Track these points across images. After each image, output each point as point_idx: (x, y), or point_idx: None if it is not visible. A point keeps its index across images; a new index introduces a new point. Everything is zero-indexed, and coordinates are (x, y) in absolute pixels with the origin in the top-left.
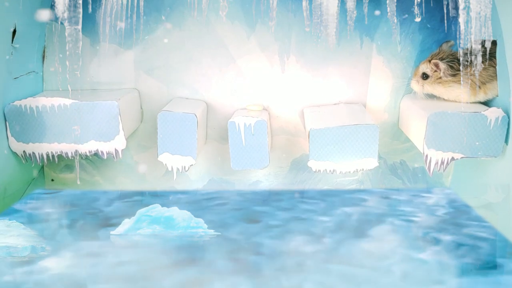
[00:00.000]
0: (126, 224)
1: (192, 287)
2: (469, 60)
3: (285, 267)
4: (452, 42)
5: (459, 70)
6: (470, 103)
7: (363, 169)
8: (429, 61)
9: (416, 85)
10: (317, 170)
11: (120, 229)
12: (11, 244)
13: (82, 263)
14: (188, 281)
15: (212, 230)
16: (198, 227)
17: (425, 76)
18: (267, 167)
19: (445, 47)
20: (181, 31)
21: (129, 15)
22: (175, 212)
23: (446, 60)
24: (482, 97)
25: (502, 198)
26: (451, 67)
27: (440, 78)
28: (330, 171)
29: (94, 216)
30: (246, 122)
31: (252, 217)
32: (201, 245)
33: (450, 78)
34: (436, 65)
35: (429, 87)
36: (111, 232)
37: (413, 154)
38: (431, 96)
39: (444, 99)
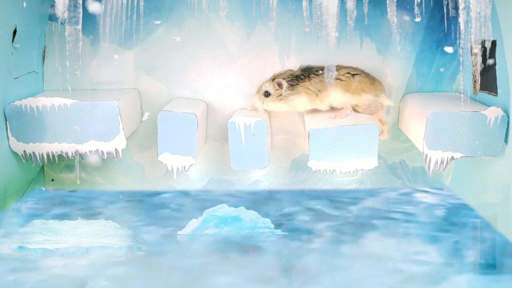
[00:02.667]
0: (193, 224)
1: None
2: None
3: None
4: (294, 71)
5: (297, 83)
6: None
7: (363, 169)
8: (272, 80)
9: (258, 102)
10: (317, 170)
11: (187, 229)
12: (107, 244)
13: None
14: None
15: (279, 230)
16: (265, 227)
17: (267, 94)
18: (267, 167)
19: (287, 71)
20: (181, 31)
21: (129, 15)
22: (242, 212)
23: (287, 80)
24: (319, 104)
25: (501, 198)
26: (291, 84)
27: (281, 95)
28: (330, 171)
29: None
30: (246, 122)
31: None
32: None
33: (289, 92)
34: (279, 84)
35: (271, 104)
36: (179, 232)
37: (413, 154)
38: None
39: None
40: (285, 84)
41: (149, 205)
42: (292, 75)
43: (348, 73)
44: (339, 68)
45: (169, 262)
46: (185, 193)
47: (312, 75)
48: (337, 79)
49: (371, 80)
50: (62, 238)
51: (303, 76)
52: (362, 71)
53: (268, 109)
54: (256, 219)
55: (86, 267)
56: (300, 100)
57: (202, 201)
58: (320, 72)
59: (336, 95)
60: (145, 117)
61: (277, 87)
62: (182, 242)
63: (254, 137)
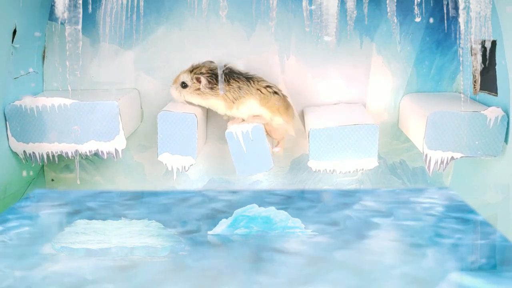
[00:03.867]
0: (223, 224)
1: None
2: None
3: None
4: (215, 63)
5: (216, 85)
6: None
7: (363, 169)
8: (190, 71)
9: (175, 92)
10: (317, 170)
11: (217, 229)
12: (150, 244)
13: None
14: None
15: (310, 230)
16: (295, 227)
17: (184, 85)
18: (272, 168)
19: (207, 63)
20: (181, 31)
21: (129, 15)
22: (272, 212)
23: (206, 75)
24: (235, 112)
25: (502, 198)
26: (210, 82)
27: (199, 89)
28: (330, 171)
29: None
30: (243, 130)
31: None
32: None
33: (207, 91)
34: (198, 80)
35: (188, 96)
36: (208, 232)
37: (413, 154)
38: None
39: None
40: (204, 81)
41: (155, 205)
42: (211, 70)
43: (270, 87)
44: (260, 80)
45: (211, 262)
46: (186, 193)
47: (232, 81)
48: (258, 89)
49: (287, 105)
50: (105, 238)
51: (224, 79)
52: (282, 94)
53: (186, 100)
54: (287, 219)
55: (129, 267)
56: (217, 103)
57: (203, 201)
58: (241, 78)
59: (253, 106)
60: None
61: (195, 81)
62: (215, 242)
63: (253, 143)
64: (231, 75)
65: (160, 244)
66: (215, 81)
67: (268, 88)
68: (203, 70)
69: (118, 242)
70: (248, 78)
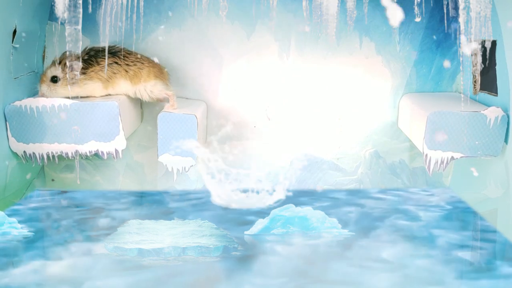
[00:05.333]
0: (260, 224)
1: None
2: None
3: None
4: (73, 52)
5: (88, 69)
6: None
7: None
8: (59, 64)
9: (47, 90)
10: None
11: (254, 229)
12: (203, 244)
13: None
14: None
15: (346, 230)
16: (332, 227)
17: (55, 79)
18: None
19: (66, 54)
20: (181, 31)
21: (129, 15)
22: (309, 212)
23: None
24: (111, 91)
25: (501, 198)
26: (83, 68)
27: (74, 78)
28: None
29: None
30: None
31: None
32: None
33: (83, 76)
34: (72, 66)
35: (61, 89)
36: (245, 232)
37: (413, 153)
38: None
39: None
40: (77, 65)
41: (156, 205)
42: (78, 58)
43: (135, 65)
44: (128, 53)
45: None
46: (187, 193)
47: (100, 59)
48: (125, 70)
49: (159, 69)
50: (158, 238)
51: (91, 61)
52: (150, 62)
53: (59, 96)
54: (323, 219)
55: (182, 267)
56: (94, 86)
57: (202, 202)
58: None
59: (125, 85)
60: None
61: (67, 70)
62: (255, 242)
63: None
64: (97, 54)
65: (213, 244)
66: (85, 65)
67: (134, 67)
68: (71, 59)
69: (171, 242)
70: (114, 53)
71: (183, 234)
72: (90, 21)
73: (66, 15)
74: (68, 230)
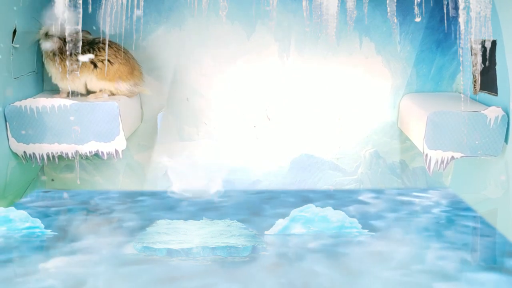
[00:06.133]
0: (280, 224)
1: None
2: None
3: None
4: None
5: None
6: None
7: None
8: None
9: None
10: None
11: (274, 229)
12: (232, 244)
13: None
14: None
15: (366, 230)
16: (352, 227)
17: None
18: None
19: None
20: (181, 31)
21: (129, 15)
22: (329, 212)
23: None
24: (78, 86)
25: (501, 198)
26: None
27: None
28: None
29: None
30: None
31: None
32: None
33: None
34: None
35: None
36: (266, 232)
37: (413, 153)
38: None
39: None
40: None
41: (156, 205)
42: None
43: (108, 60)
44: (102, 47)
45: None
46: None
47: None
48: (94, 64)
49: (130, 69)
50: (187, 238)
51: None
52: (126, 56)
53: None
54: (343, 219)
55: (210, 267)
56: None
57: (205, 201)
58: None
59: (91, 81)
60: None
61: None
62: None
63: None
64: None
65: (242, 244)
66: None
67: (105, 62)
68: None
69: (200, 242)
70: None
71: (212, 234)
72: (90, 21)
73: (66, 15)
74: (72, 228)
